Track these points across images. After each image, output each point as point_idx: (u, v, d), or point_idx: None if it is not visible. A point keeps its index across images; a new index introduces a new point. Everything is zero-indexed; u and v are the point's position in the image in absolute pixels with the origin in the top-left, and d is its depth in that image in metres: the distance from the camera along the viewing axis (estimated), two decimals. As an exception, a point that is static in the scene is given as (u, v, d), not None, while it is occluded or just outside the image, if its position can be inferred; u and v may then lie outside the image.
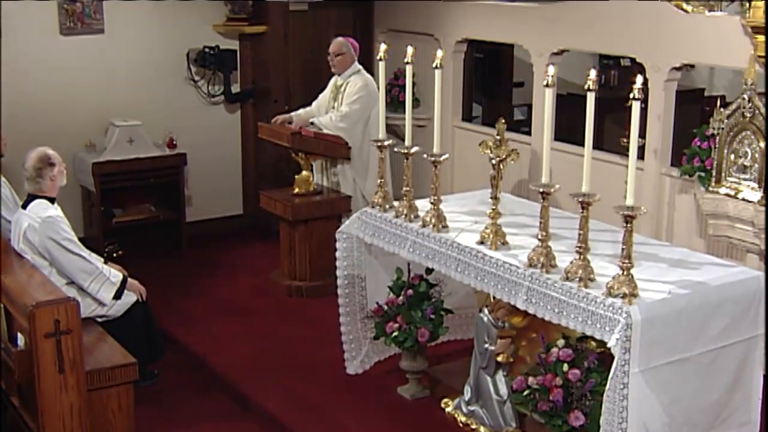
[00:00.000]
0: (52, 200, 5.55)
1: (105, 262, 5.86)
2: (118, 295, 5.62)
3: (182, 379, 6.10)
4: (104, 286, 5.56)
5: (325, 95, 7.83)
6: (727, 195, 5.82)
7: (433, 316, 5.60)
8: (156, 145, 8.40)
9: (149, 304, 5.88)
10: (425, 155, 5.30)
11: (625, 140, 6.00)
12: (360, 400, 5.78)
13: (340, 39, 7.67)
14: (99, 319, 5.63)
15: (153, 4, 8.43)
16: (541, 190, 4.49)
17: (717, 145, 5.86)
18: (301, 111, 7.88)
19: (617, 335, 4.07)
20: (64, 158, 5.86)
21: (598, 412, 4.29)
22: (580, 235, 4.35)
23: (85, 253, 5.58)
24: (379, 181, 5.69)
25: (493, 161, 4.91)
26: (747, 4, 5.78)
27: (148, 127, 8.35)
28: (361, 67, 7.69)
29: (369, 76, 7.65)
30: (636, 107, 4.07)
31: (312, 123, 7.52)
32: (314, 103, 7.89)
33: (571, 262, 4.41)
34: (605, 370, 4.35)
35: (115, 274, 5.68)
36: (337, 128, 7.45)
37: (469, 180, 7.95)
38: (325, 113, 7.69)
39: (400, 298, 5.67)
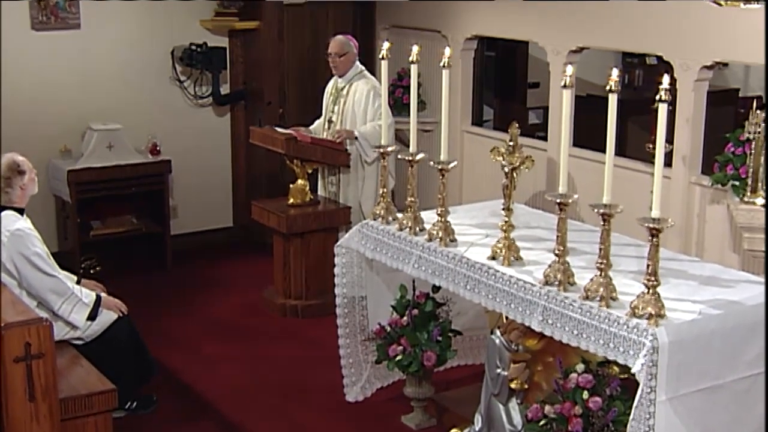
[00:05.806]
0: (21, 211, 5.52)
1: (78, 281, 5.84)
2: (92, 317, 5.60)
3: (168, 407, 6.08)
4: (76, 307, 5.53)
5: (325, 101, 7.81)
6: (764, 206, 5.80)
7: (440, 338, 5.59)
8: (138, 151, 8.41)
9: (131, 319, 5.86)
10: (431, 162, 5.30)
11: (651, 146, 5.96)
12: (360, 430, 5.76)
13: (341, 37, 7.62)
14: (77, 342, 5.61)
15: (135, -2, 8.47)
16: (558, 200, 4.48)
17: (753, 151, 5.84)
18: (317, 124, 7.80)
19: (642, 360, 4.05)
20: (37, 165, 5.86)
21: (621, 445, 4.27)
22: (601, 249, 4.34)
23: (57, 271, 5.55)
24: (381, 190, 5.69)
25: (506, 169, 4.91)
26: (785, -3, 5.77)
27: (130, 132, 8.37)
28: (363, 67, 7.69)
29: (373, 78, 7.65)
30: (663, 110, 4.06)
31: (356, 138, 7.42)
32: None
33: (592, 280, 4.39)
34: (629, 398, 4.33)
35: (87, 293, 5.65)
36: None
37: (479, 190, 7.95)
38: (326, 119, 7.68)
39: (405, 318, 5.66)
